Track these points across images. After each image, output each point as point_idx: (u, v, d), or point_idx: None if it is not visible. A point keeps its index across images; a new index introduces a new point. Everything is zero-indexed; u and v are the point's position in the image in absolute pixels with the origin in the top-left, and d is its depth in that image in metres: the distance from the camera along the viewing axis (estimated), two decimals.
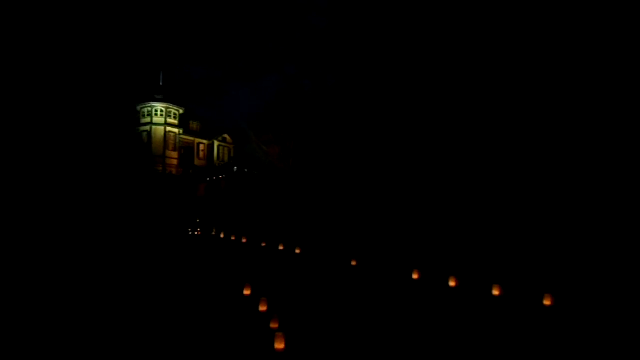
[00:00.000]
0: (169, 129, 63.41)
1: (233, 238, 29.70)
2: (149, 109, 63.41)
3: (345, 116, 42.66)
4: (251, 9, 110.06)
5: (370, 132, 37.42)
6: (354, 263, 18.79)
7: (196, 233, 35.52)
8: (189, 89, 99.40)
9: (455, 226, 22.31)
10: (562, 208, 19.95)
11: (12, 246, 24.18)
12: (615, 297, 11.89)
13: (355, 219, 28.42)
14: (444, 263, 17.19)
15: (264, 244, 25.85)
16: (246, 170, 52.93)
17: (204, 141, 67.35)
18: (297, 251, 22.80)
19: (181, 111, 65.35)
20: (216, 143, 67.51)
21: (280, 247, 24.20)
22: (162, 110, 63.39)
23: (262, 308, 12.44)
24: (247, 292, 14.27)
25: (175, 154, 63.79)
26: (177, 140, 64.27)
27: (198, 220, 40.32)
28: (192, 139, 66.14)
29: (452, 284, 14.22)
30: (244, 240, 27.85)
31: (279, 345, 9.80)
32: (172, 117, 64.19)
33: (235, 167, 52.87)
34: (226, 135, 68.66)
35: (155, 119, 63.03)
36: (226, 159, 67.25)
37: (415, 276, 15.58)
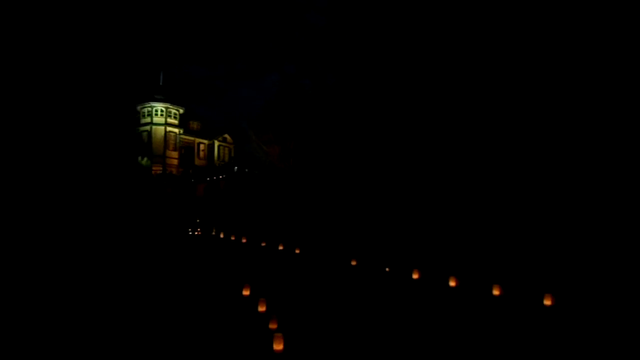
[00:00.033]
0: (169, 128, 63.40)
1: (233, 238, 29.67)
2: (149, 109, 63.39)
3: (346, 116, 42.61)
4: (250, 8, 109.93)
5: (370, 132, 37.36)
6: (353, 263, 18.74)
7: (196, 233, 35.50)
8: (189, 88, 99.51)
9: (455, 226, 22.25)
10: (562, 208, 19.89)
11: (13, 246, 24.17)
12: (616, 297, 11.83)
13: (355, 218, 28.38)
14: (444, 263, 17.13)
15: (263, 244, 25.82)
16: (246, 170, 52.88)
17: (205, 141, 67.32)
18: (297, 251, 22.76)
19: (181, 111, 65.33)
20: (216, 143, 67.48)
21: (280, 247, 24.16)
22: (162, 110, 63.37)
23: (261, 308, 12.39)
24: (246, 292, 14.21)
25: (175, 154, 63.78)
26: (178, 140, 64.24)
27: (198, 220, 40.29)
28: (192, 138, 66.12)
29: (452, 283, 14.17)
30: (243, 240, 27.82)
31: (278, 346, 9.75)
32: (172, 117, 64.17)
33: (236, 167, 52.82)
34: (226, 135, 68.62)
35: (156, 119, 63.02)
36: (226, 158, 67.20)
37: (415, 276, 15.52)
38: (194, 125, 67.74)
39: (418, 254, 19.44)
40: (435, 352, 9.68)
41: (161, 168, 60.92)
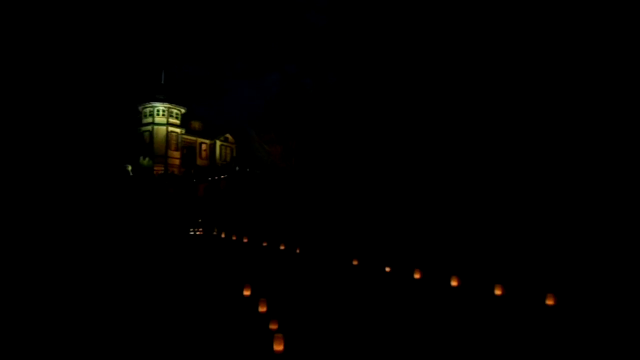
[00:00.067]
0: (170, 128, 63.38)
1: (234, 238, 29.64)
2: (151, 109, 63.39)
3: (347, 115, 42.53)
4: (250, 8, 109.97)
5: (372, 131, 37.27)
6: (355, 262, 18.68)
7: (197, 233, 35.49)
8: (191, 88, 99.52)
9: (457, 225, 22.16)
10: (564, 207, 19.79)
11: (15, 244, 24.20)
12: (618, 297, 11.74)
13: (356, 218, 28.31)
14: (446, 262, 17.06)
15: (265, 244, 25.78)
16: (248, 169, 52.85)
17: (206, 141, 67.28)
18: (298, 251, 22.71)
19: (183, 111, 65.31)
20: (218, 143, 67.45)
21: (282, 247, 24.12)
22: (163, 110, 63.36)
23: (262, 309, 12.34)
24: (247, 292, 14.17)
25: (177, 154, 63.77)
26: (179, 140, 64.23)
27: (200, 220, 40.29)
28: (194, 138, 66.09)
29: (454, 283, 14.09)
30: (245, 240, 27.78)
31: (278, 347, 9.69)
32: (174, 117, 64.14)
33: (237, 167, 52.81)
34: (228, 135, 68.58)
35: (157, 119, 63.00)
36: (228, 158, 67.16)
37: (417, 276, 15.45)
38: (196, 125, 67.71)
39: (419, 253, 19.37)
40: (437, 353, 9.61)
41: (163, 168, 60.93)
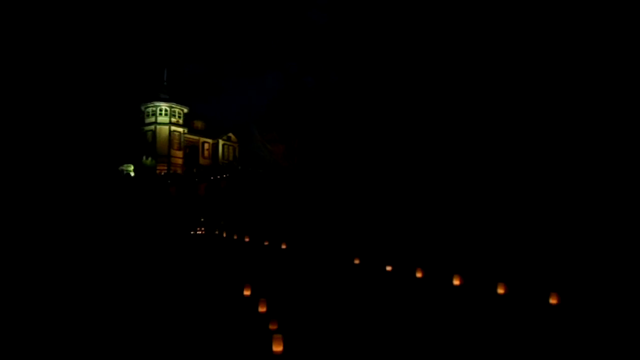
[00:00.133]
0: (173, 128, 63.46)
1: (235, 237, 29.60)
2: (154, 108, 63.48)
3: (349, 113, 42.41)
4: (251, 6, 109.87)
5: (374, 130, 37.14)
6: (356, 261, 18.56)
7: (199, 232, 35.47)
8: (193, 88, 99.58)
9: (459, 223, 22.01)
10: (568, 205, 19.60)
11: (15, 243, 24.24)
12: (622, 296, 11.58)
13: (358, 217, 28.20)
14: (448, 261, 16.91)
15: (266, 243, 25.70)
16: (249, 168, 52.83)
17: (209, 140, 67.33)
18: (299, 250, 22.61)
19: (185, 110, 65.36)
20: (221, 142, 67.50)
21: (283, 246, 24.04)
22: (166, 110, 63.43)
23: (262, 309, 12.23)
24: (247, 292, 14.07)
25: (180, 153, 63.85)
26: (182, 140, 64.29)
27: (202, 220, 40.29)
28: (196, 138, 66.15)
29: (456, 282, 13.95)
30: (246, 240, 27.72)
31: (277, 347, 9.58)
32: (177, 117, 64.21)
33: (240, 166, 52.82)
34: (231, 134, 68.61)
35: (160, 119, 63.10)
36: (231, 157, 67.23)
37: (418, 275, 15.32)
38: (198, 124, 67.77)
39: (421, 252, 19.23)
40: (440, 352, 9.48)
41: (166, 167, 61.02)
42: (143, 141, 62.92)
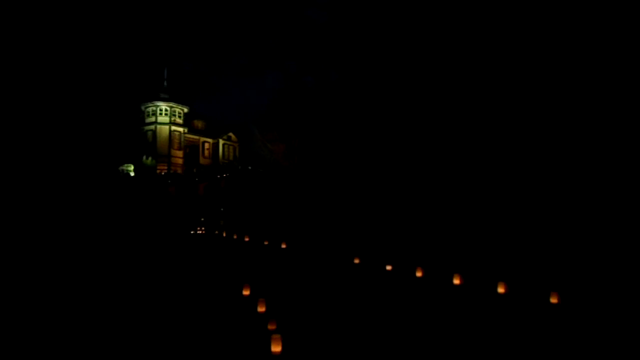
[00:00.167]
0: (173, 128, 63.41)
1: (235, 237, 29.57)
2: (154, 108, 63.43)
3: (349, 112, 42.35)
4: (250, 5, 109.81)
5: (374, 129, 37.07)
6: (356, 261, 18.51)
7: (199, 232, 35.43)
8: (193, 87, 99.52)
9: (460, 223, 21.95)
10: (568, 205, 19.54)
11: (16, 242, 24.22)
12: (623, 295, 11.52)
13: (358, 216, 28.14)
14: (448, 260, 16.85)
15: (266, 243, 25.66)
16: (250, 168, 52.78)
17: (209, 140, 67.28)
18: (298, 250, 22.56)
19: (186, 110, 65.30)
20: (221, 142, 67.45)
21: (283, 246, 23.99)
22: (166, 110, 63.38)
23: (261, 309, 12.18)
24: (246, 292, 14.02)
25: (180, 153, 63.80)
26: (182, 139, 64.25)
27: (202, 219, 40.26)
28: (197, 137, 66.10)
29: (456, 281, 13.90)
30: (246, 239, 27.68)
31: (276, 348, 9.52)
32: (177, 116, 64.16)
33: (240, 166, 52.77)
34: (231, 134, 68.56)
35: (160, 119, 63.05)
36: (231, 157, 67.18)
37: (418, 274, 15.26)
38: (199, 124, 67.72)
39: (422, 251, 19.18)
40: (440, 352, 9.43)
41: (166, 167, 60.99)
42: (143, 141, 62.88)
